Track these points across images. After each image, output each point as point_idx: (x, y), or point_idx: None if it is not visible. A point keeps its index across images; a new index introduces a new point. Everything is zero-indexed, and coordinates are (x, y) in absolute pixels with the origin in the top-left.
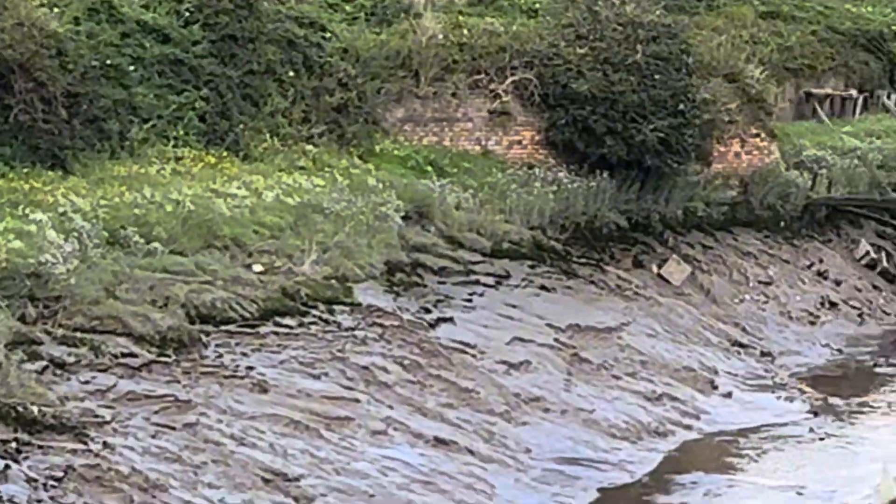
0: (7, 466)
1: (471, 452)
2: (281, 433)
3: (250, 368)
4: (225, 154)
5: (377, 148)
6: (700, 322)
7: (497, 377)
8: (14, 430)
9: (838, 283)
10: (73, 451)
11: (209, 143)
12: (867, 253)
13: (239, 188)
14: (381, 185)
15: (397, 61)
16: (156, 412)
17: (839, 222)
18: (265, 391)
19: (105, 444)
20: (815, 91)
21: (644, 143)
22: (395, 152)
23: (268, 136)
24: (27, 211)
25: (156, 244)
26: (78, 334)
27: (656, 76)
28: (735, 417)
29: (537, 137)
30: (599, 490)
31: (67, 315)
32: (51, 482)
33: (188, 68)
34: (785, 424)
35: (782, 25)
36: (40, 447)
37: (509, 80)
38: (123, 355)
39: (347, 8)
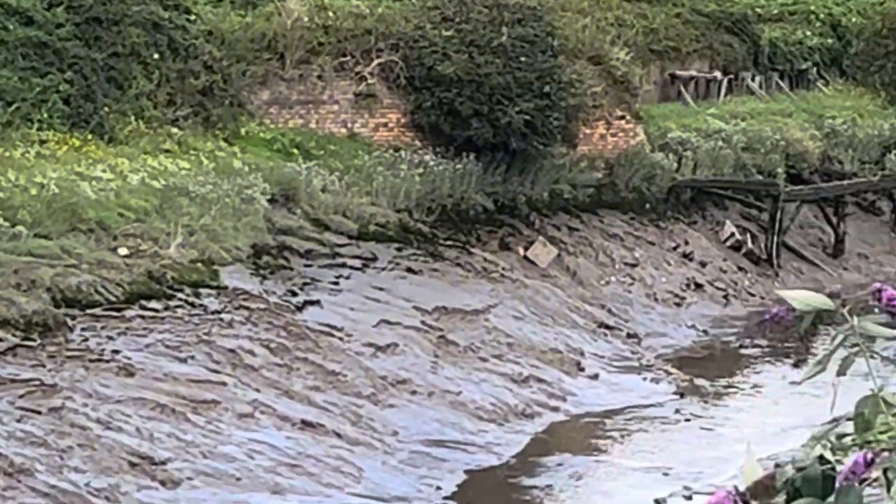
0: None
1: (338, 435)
2: (147, 417)
3: (116, 352)
4: (90, 137)
5: (243, 131)
6: (566, 304)
7: (364, 360)
8: None
9: (704, 264)
10: None
11: (74, 126)
12: (732, 234)
13: (104, 171)
14: (246, 168)
15: (263, 44)
16: (21, 396)
17: (704, 204)
18: (131, 375)
19: None
20: (679, 73)
21: (510, 126)
22: (261, 135)
23: (133, 119)
24: None
25: (20, 228)
26: None
27: (522, 58)
28: (601, 399)
29: (403, 120)
30: (466, 472)
31: None
32: None
33: (52, 51)
34: (651, 406)
35: (647, 8)
36: None
37: (375, 62)
38: None
39: None
